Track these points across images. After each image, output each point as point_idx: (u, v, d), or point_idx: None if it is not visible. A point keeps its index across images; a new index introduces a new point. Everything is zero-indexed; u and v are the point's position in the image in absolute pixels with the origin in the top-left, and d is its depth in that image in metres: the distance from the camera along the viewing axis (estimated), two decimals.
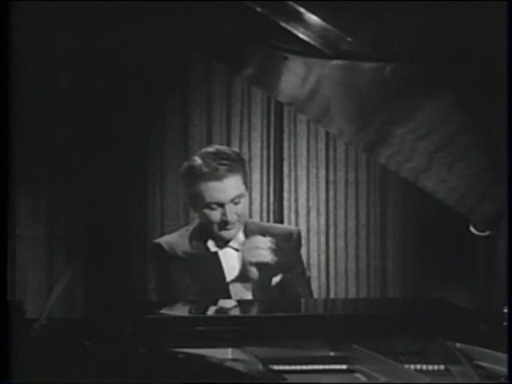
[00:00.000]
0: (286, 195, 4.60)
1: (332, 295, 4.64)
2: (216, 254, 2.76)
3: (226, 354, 1.98)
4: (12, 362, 1.72)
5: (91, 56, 4.17)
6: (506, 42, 1.90)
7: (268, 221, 4.52)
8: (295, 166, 4.60)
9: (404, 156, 2.20)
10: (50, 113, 4.25)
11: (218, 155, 2.71)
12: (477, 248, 4.38)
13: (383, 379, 1.83)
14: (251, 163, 4.50)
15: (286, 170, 4.60)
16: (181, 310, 2.57)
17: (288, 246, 2.84)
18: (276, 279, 2.77)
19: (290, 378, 1.87)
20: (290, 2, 1.99)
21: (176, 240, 2.82)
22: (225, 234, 2.74)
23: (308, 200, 4.61)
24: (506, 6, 1.90)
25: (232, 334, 2.02)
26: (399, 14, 1.97)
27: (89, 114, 4.28)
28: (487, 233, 2.40)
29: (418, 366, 1.94)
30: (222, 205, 2.69)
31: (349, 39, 2.01)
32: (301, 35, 2.02)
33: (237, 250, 2.77)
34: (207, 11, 2.02)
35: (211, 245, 2.78)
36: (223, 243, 2.77)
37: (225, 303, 2.63)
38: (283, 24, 2.01)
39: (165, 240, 2.84)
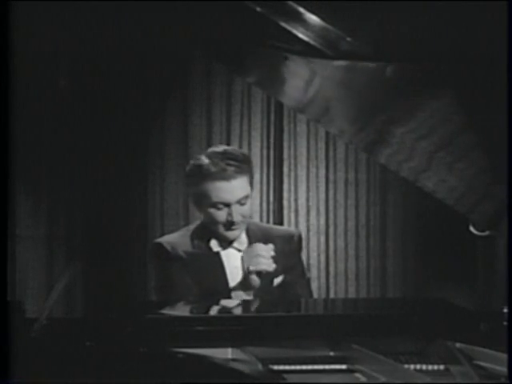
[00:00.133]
0: (285, 195, 4.60)
1: (332, 295, 4.64)
2: (218, 254, 2.76)
3: (226, 353, 1.97)
4: (12, 362, 1.72)
5: (91, 56, 4.17)
6: (506, 42, 1.90)
7: (268, 221, 4.52)
8: (295, 165, 4.60)
9: (404, 156, 2.20)
10: (50, 113, 4.25)
11: (225, 155, 2.70)
12: (477, 248, 4.38)
13: (383, 379, 1.83)
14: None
15: (285, 170, 4.60)
16: (182, 310, 2.57)
17: (289, 247, 2.85)
18: (277, 280, 2.77)
19: (290, 378, 1.87)
20: (290, 2, 1.99)
21: (178, 240, 2.81)
22: (229, 234, 2.74)
23: (308, 200, 4.61)
24: (506, 5, 1.90)
25: (232, 334, 2.02)
26: (399, 14, 1.97)
27: (89, 113, 4.28)
28: (487, 233, 2.39)
29: (418, 366, 1.94)
30: (228, 205, 2.69)
31: (349, 39, 2.01)
32: (301, 35, 2.02)
33: (239, 250, 2.77)
34: (207, 11, 2.02)
35: (214, 245, 2.77)
36: (227, 244, 2.77)
37: (227, 303, 2.63)
38: (283, 24, 2.01)
39: (166, 240, 2.83)
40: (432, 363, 1.96)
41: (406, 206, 4.69)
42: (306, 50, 2.02)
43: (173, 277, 2.73)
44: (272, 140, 4.60)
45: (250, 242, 2.78)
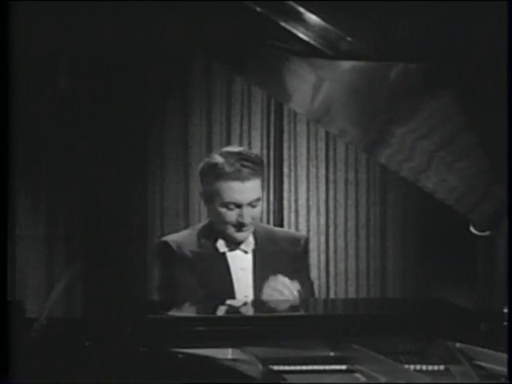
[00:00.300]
0: (285, 195, 4.60)
1: (332, 295, 4.64)
2: (224, 254, 2.76)
3: (226, 354, 1.97)
4: (12, 362, 1.72)
5: (91, 56, 4.17)
6: (506, 42, 1.90)
7: (268, 221, 4.52)
8: (295, 165, 4.60)
9: (404, 156, 2.20)
10: (50, 113, 4.25)
11: (241, 156, 2.70)
12: (477, 248, 4.38)
13: (383, 379, 1.83)
14: None
15: (285, 170, 4.60)
16: (188, 311, 2.56)
17: (294, 250, 2.85)
18: None
19: (290, 378, 1.87)
20: (290, 2, 1.99)
21: (184, 239, 2.80)
22: (238, 235, 2.73)
23: (308, 200, 4.62)
24: (506, 6, 1.90)
25: (232, 334, 2.02)
26: (399, 14, 1.97)
27: (89, 113, 4.28)
28: (487, 233, 2.39)
29: (418, 366, 1.94)
30: (239, 206, 2.69)
31: (349, 39, 2.01)
32: (301, 35, 2.02)
33: (246, 252, 2.77)
34: (207, 11, 2.02)
35: (221, 245, 2.76)
36: (234, 245, 2.76)
37: (233, 302, 2.63)
38: (283, 24, 2.01)
39: (172, 238, 2.82)
40: (432, 363, 1.96)
41: (405, 206, 4.69)
42: (306, 50, 2.02)
43: (177, 277, 2.72)
44: (272, 140, 4.60)
45: (257, 244, 2.78)
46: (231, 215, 2.70)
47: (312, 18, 2.00)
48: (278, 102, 4.49)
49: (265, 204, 4.55)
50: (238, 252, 2.77)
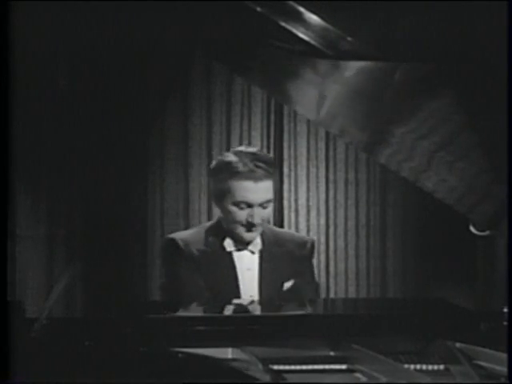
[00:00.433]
0: (285, 195, 4.60)
1: (332, 295, 4.64)
2: (230, 254, 2.76)
3: (226, 353, 1.97)
4: (12, 362, 1.72)
5: (91, 56, 4.17)
6: (506, 42, 1.90)
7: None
8: (295, 165, 4.60)
9: (404, 155, 2.20)
10: (50, 113, 4.25)
11: (255, 156, 2.70)
12: (477, 248, 4.38)
13: (383, 379, 1.83)
14: None
15: (285, 170, 4.60)
16: (195, 311, 2.56)
17: (300, 253, 2.85)
18: (287, 285, 2.77)
19: (290, 377, 1.87)
20: (290, 2, 1.99)
21: (191, 236, 2.80)
22: (247, 235, 2.73)
23: (308, 200, 4.61)
24: (506, 6, 1.90)
25: (232, 334, 2.02)
26: (399, 14, 1.97)
27: (89, 113, 4.28)
28: (487, 232, 2.39)
29: (418, 366, 1.94)
30: (250, 206, 2.69)
31: (349, 39, 2.02)
32: (301, 35, 2.02)
33: (253, 252, 2.77)
34: (207, 11, 2.02)
35: (228, 244, 2.76)
36: (242, 245, 2.76)
37: (241, 301, 2.63)
38: (283, 24, 2.01)
39: (180, 236, 2.81)
40: (432, 363, 1.96)
41: (405, 206, 4.69)
42: (307, 50, 2.02)
43: (183, 275, 2.72)
44: (272, 140, 4.60)
45: (264, 245, 2.79)
46: (241, 215, 2.70)
47: (312, 17, 2.00)
48: (278, 102, 4.49)
49: None
50: (244, 252, 2.77)
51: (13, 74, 1.96)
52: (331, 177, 4.65)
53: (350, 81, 2.10)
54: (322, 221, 4.64)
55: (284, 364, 1.93)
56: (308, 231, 4.59)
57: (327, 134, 4.60)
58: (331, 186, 4.65)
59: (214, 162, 2.79)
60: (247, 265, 2.76)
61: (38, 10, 3.81)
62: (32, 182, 4.33)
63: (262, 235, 2.78)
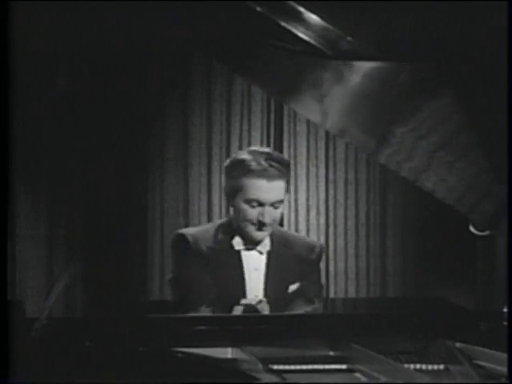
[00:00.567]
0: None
1: (332, 295, 4.64)
2: (239, 253, 2.76)
3: (226, 353, 1.97)
4: (12, 362, 1.72)
5: (91, 56, 4.17)
6: (506, 42, 1.90)
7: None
8: (295, 165, 4.59)
9: (404, 155, 2.20)
10: (50, 113, 4.25)
11: (269, 156, 2.71)
12: (477, 248, 4.38)
13: (383, 379, 1.84)
14: None
15: None
16: (204, 311, 2.56)
17: (308, 256, 2.84)
18: (293, 287, 2.78)
19: (290, 377, 1.87)
20: (290, 2, 1.99)
21: (201, 233, 2.80)
22: (257, 234, 2.73)
23: (308, 199, 4.61)
24: (506, 6, 1.90)
25: (232, 334, 2.02)
26: (399, 14, 1.97)
27: (89, 113, 4.28)
28: (487, 232, 2.39)
29: (418, 366, 1.95)
30: (262, 205, 2.69)
31: (349, 39, 2.02)
32: (301, 35, 2.02)
33: (261, 253, 2.77)
34: (207, 11, 2.02)
35: (237, 243, 2.76)
36: (252, 244, 2.76)
37: (249, 300, 2.63)
38: (283, 24, 2.01)
39: (190, 232, 2.82)
40: (432, 363, 1.96)
41: (405, 206, 4.69)
42: (307, 50, 2.02)
43: (190, 270, 2.72)
44: (272, 140, 4.60)
45: (273, 247, 2.79)
46: (252, 213, 2.70)
47: (312, 17, 2.00)
48: (278, 102, 4.49)
49: None
50: (253, 252, 2.77)
51: (13, 73, 1.96)
52: (331, 176, 4.65)
53: (350, 81, 2.10)
54: (322, 220, 4.64)
55: (284, 364, 1.93)
56: (308, 231, 4.59)
57: (327, 133, 4.60)
58: (331, 185, 4.65)
59: (228, 160, 2.81)
60: (254, 265, 2.76)
61: (38, 10, 3.81)
62: (32, 182, 4.33)
63: (272, 236, 2.79)
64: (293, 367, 1.93)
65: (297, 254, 2.81)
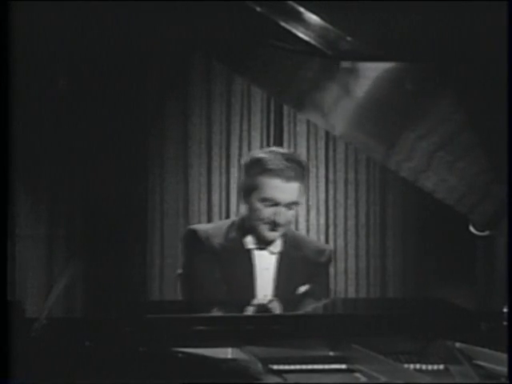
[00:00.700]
0: None
1: (332, 295, 4.63)
2: (250, 251, 2.76)
3: (226, 353, 1.97)
4: (12, 362, 1.72)
5: (91, 56, 4.17)
6: (506, 42, 1.90)
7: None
8: None
9: (404, 156, 2.20)
10: (50, 113, 4.25)
11: (288, 156, 2.72)
12: (477, 248, 4.38)
13: (383, 379, 1.83)
14: None
15: None
16: (215, 311, 2.56)
17: (317, 259, 2.85)
18: (302, 289, 2.78)
19: (290, 377, 1.87)
20: (290, 2, 1.99)
21: (214, 230, 2.81)
22: (269, 234, 2.74)
23: (308, 199, 4.61)
24: (506, 6, 1.90)
25: (232, 334, 2.02)
26: (399, 14, 1.97)
27: (88, 113, 4.28)
28: (487, 233, 2.39)
29: (418, 366, 1.94)
30: (276, 204, 2.69)
31: (349, 39, 2.02)
32: (301, 35, 2.02)
33: (273, 253, 2.78)
34: (207, 11, 2.02)
35: (249, 241, 2.77)
36: (263, 244, 2.77)
37: (260, 300, 2.63)
38: (283, 24, 2.01)
39: (202, 228, 2.83)
40: (432, 363, 1.96)
41: (405, 206, 4.69)
42: (307, 50, 2.02)
43: (200, 266, 2.73)
44: (272, 140, 4.60)
45: (284, 247, 2.79)
46: (267, 212, 2.70)
47: (312, 17, 2.00)
48: (278, 102, 4.49)
49: None
50: (264, 252, 2.77)
51: (13, 73, 1.96)
52: (331, 177, 4.65)
53: (348, 80, 2.10)
54: (322, 220, 4.64)
55: (284, 364, 1.93)
56: (308, 231, 4.59)
57: (327, 133, 4.60)
58: (331, 185, 4.65)
59: (246, 158, 2.82)
60: (265, 264, 2.76)
61: (37, 10, 3.81)
62: (32, 182, 4.33)
63: (284, 237, 2.79)
64: (293, 367, 1.93)
65: (306, 256, 2.82)
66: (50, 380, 1.73)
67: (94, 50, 4.14)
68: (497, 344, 1.96)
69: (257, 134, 4.58)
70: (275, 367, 1.91)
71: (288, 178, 2.68)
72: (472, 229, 2.39)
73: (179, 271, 2.84)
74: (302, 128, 4.61)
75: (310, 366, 1.94)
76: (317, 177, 4.63)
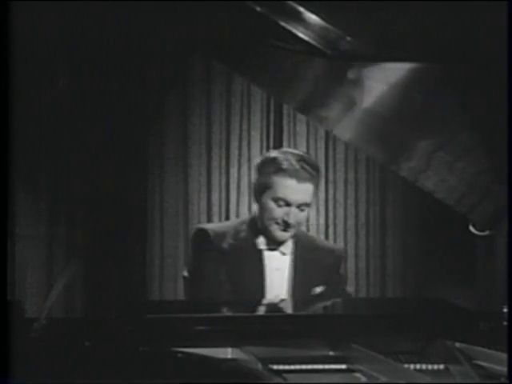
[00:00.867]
0: None
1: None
2: (261, 252, 2.76)
3: (226, 353, 1.97)
4: (12, 362, 1.72)
5: (91, 56, 4.17)
6: (506, 42, 1.90)
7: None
8: None
9: (404, 156, 2.20)
10: (50, 113, 4.25)
11: (302, 157, 2.73)
12: (477, 248, 4.38)
13: (383, 379, 1.83)
14: (251, 163, 4.50)
15: None
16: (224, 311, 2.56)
17: (330, 260, 2.85)
18: (317, 290, 2.78)
19: (290, 377, 1.87)
20: (290, 2, 1.99)
21: (223, 230, 2.79)
22: (280, 234, 2.73)
23: None
24: (506, 6, 1.90)
25: (232, 334, 2.02)
26: (399, 14, 1.97)
27: (88, 113, 4.28)
28: (487, 232, 2.39)
29: (418, 366, 1.94)
30: (289, 205, 2.69)
31: (349, 39, 2.02)
32: (301, 35, 2.02)
33: (284, 254, 2.77)
34: (207, 11, 2.02)
35: (261, 242, 2.76)
36: (274, 244, 2.76)
37: (271, 300, 2.63)
38: (283, 24, 2.01)
39: (211, 227, 2.82)
40: (432, 363, 1.96)
41: (405, 206, 4.69)
42: (307, 50, 2.02)
43: (206, 266, 2.72)
44: (272, 140, 4.60)
45: (297, 249, 2.79)
46: (278, 212, 2.70)
47: (312, 17, 2.00)
48: (278, 102, 4.49)
49: None
50: (275, 252, 2.77)
51: (13, 73, 1.96)
52: (331, 176, 4.65)
53: (346, 78, 2.10)
54: (322, 220, 4.64)
55: (284, 364, 1.93)
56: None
57: (327, 133, 4.60)
58: (330, 185, 4.65)
59: (260, 158, 2.84)
60: (277, 265, 2.76)
61: (37, 10, 3.81)
62: (32, 182, 4.33)
63: (295, 238, 2.79)
64: (293, 367, 1.93)
65: (317, 257, 2.81)
66: (49, 380, 1.73)
67: (93, 49, 4.14)
68: (497, 344, 1.96)
69: (256, 133, 4.58)
70: (275, 367, 1.91)
71: (301, 179, 2.69)
72: (472, 229, 2.39)
73: (185, 273, 2.83)
74: (301, 128, 4.61)
75: (310, 366, 1.94)
76: None
